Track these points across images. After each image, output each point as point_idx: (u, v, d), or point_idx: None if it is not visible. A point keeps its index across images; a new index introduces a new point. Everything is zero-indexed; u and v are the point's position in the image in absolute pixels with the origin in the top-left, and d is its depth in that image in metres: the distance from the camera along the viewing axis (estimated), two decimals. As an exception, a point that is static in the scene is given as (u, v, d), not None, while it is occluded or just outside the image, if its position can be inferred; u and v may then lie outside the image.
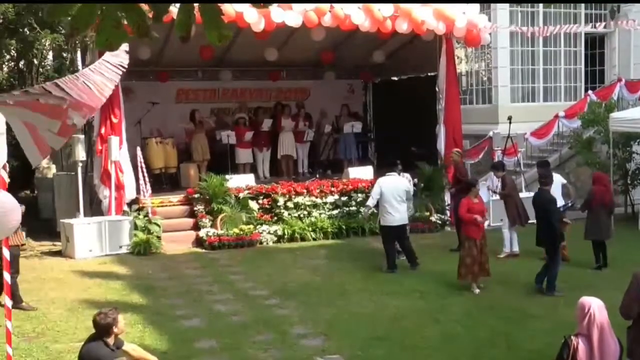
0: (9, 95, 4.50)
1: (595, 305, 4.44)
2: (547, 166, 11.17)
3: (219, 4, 2.82)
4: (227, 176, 13.00)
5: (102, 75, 5.97)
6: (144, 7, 2.77)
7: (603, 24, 16.16)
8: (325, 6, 12.29)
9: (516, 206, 10.74)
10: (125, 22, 2.74)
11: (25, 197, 15.96)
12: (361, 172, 14.08)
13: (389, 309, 8.22)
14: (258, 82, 17.37)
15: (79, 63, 14.63)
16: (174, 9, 2.83)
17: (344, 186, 13.45)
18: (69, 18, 2.75)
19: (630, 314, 5.04)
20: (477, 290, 8.86)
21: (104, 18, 2.70)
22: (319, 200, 13.14)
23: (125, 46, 6.46)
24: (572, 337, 4.49)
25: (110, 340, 4.91)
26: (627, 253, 10.59)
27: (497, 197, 11.42)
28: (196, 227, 12.38)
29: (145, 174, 12.48)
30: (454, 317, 7.87)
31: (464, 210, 8.99)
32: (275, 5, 11.91)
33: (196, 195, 12.70)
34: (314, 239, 12.51)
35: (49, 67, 14.12)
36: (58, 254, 11.62)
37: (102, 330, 4.89)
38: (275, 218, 12.81)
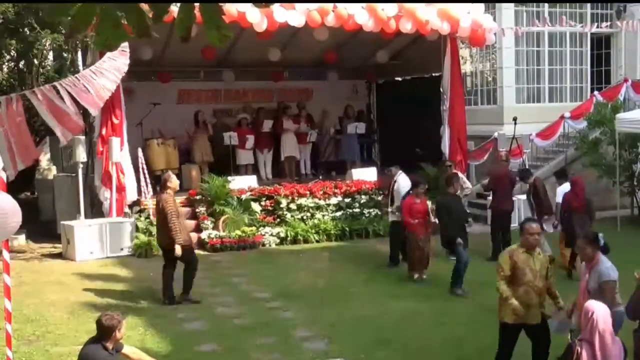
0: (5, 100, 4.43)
1: (598, 312, 4.40)
2: (565, 177, 10.60)
3: (221, 4, 2.76)
4: (229, 178, 12.95)
5: (102, 76, 5.89)
6: (144, 6, 2.70)
7: (608, 23, 16.03)
8: (329, 6, 12.22)
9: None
10: (125, 22, 2.67)
11: (25, 198, 15.92)
12: (365, 174, 14.01)
13: (393, 312, 8.17)
14: (260, 83, 17.31)
15: (80, 63, 14.57)
16: (175, 8, 2.76)
17: (348, 188, 13.38)
18: (69, 18, 2.69)
19: (637, 315, 5.06)
20: (417, 276, 9.59)
21: (104, 18, 2.64)
22: (322, 202, 13.07)
23: (125, 47, 6.40)
24: (576, 341, 4.45)
25: (110, 344, 4.83)
26: (633, 255, 10.49)
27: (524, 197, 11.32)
28: (198, 229, 12.31)
29: (147, 175, 12.41)
30: (459, 320, 7.80)
31: (406, 212, 9.62)
32: (277, 4, 11.84)
33: (198, 197, 12.64)
34: (317, 241, 12.44)
35: (49, 68, 14.06)
36: (59, 256, 11.58)
37: (104, 331, 4.82)
38: (278, 220, 12.74)
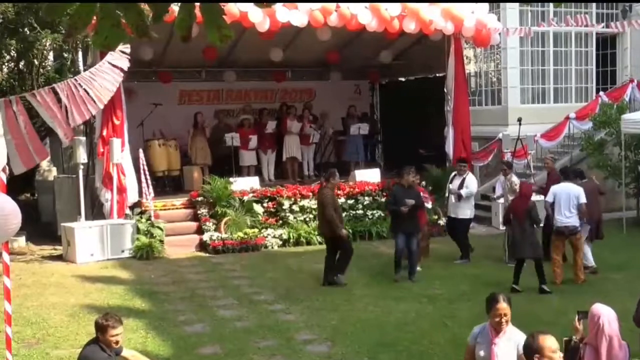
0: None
1: (605, 317, 4.30)
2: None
3: (222, 3, 2.70)
4: (231, 179, 12.89)
5: (102, 79, 5.83)
6: (144, 6, 2.63)
7: (616, 23, 15.90)
8: (332, 5, 12.16)
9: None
10: (124, 22, 2.61)
11: (25, 200, 15.87)
12: (368, 175, 13.91)
13: (396, 314, 8.12)
14: (263, 83, 17.26)
15: (80, 63, 14.51)
16: (176, 8, 2.70)
17: (351, 189, 13.29)
18: (68, 17, 2.63)
19: None
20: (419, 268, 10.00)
21: (103, 17, 2.58)
22: (325, 204, 12.96)
23: (125, 47, 6.34)
24: (580, 344, 4.36)
25: (107, 345, 4.76)
26: (639, 258, 10.44)
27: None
28: (200, 230, 12.25)
29: (148, 177, 12.32)
30: (463, 322, 7.69)
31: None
32: (280, 4, 11.77)
33: (200, 199, 12.57)
34: (320, 243, 12.30)
35: (49, 68, 14.01)
36: (59, 258, 11.54)
37: (99, 332, 4.78)
38: (281, 222, 12.67)
